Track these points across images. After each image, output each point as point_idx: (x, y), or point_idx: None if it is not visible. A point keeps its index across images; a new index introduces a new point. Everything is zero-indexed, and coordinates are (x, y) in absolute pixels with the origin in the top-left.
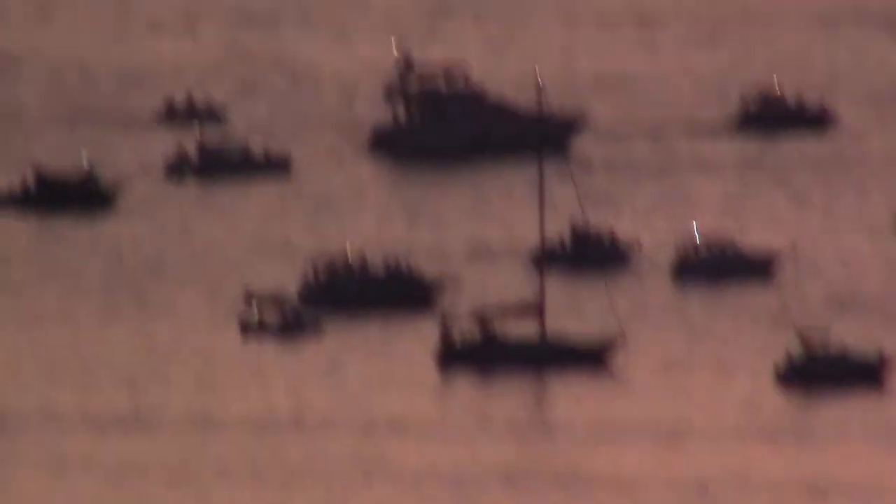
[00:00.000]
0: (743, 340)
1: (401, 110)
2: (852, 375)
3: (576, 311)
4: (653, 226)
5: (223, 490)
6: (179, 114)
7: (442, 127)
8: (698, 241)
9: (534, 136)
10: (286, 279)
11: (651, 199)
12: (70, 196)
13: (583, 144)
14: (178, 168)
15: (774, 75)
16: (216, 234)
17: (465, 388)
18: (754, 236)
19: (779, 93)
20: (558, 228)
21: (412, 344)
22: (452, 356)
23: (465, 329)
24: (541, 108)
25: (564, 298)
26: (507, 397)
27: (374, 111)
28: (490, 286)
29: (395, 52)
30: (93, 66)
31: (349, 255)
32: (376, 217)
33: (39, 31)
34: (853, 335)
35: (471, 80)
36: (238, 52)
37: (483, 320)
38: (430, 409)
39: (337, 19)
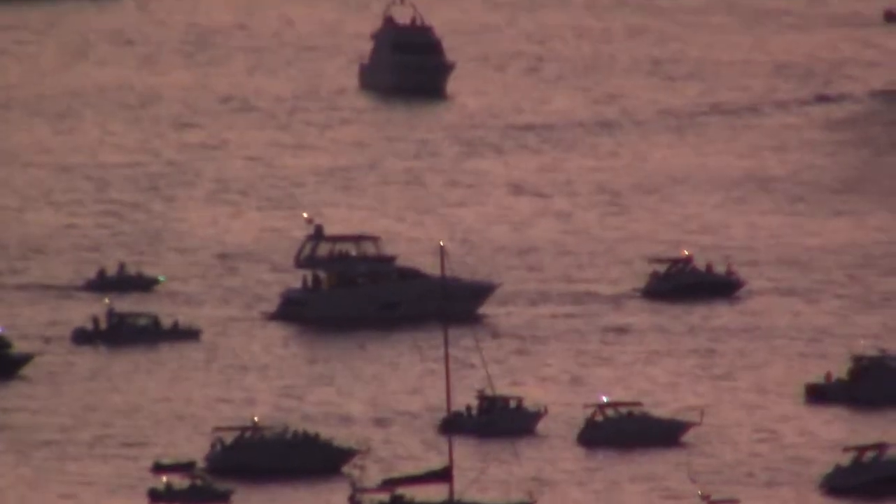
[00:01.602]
0: None
1: (310, 276)
2: None
3: (484, 477)
4: (561, 392)
5: None
6: (104, 283)
7: (351, 293)
8: (606, 408)
9: (441, 302)
10: (194, 447)
11: (559, 364)
12: None
13: (491, 310)
14: (87, 335)
15: (683, 242)
16: (124, 402)
17: None
18: (663, 403)
19: (688, 259)
20: (466, 395)
21: None
22: None
23: (374, 496)
24: (448, 275)
25: (473, 465)
26: None
27: (283, 278)
28: (399, 453)
29: (305, 222)
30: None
31: (258, 422)
32: (284, 383)
33: None
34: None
35: (381, 247)
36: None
37: (392, 487)
38: None
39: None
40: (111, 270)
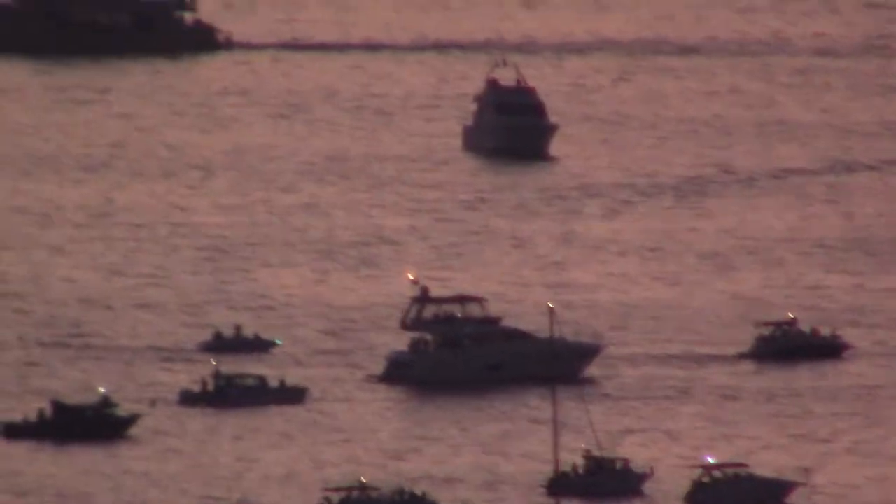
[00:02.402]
0: None
1: (416, 339)
2: None
3: None
4: (667, 453)
5: None
6: (220, 345)
7: (456, 354)
8: (713, 469)
9: (547, 363)
10: None
11: (665, 425)
12: (86, 424)
13: (597, 371)
14: (193, 396)
15: (789, 306)
16: (231, 463)
17: None
18: (768, 463)
19: (793, 322)
20: (573, 456)
21: None
22: None
23: None
24: (554, 336)
25: None
26: None
27: (389, 339)
28: None
29: (411, 284)
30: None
31: (365, 482)
32: (390, 445)
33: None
34: None
35: (486, 309)
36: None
37: None
38: None
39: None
40: (223, 332)
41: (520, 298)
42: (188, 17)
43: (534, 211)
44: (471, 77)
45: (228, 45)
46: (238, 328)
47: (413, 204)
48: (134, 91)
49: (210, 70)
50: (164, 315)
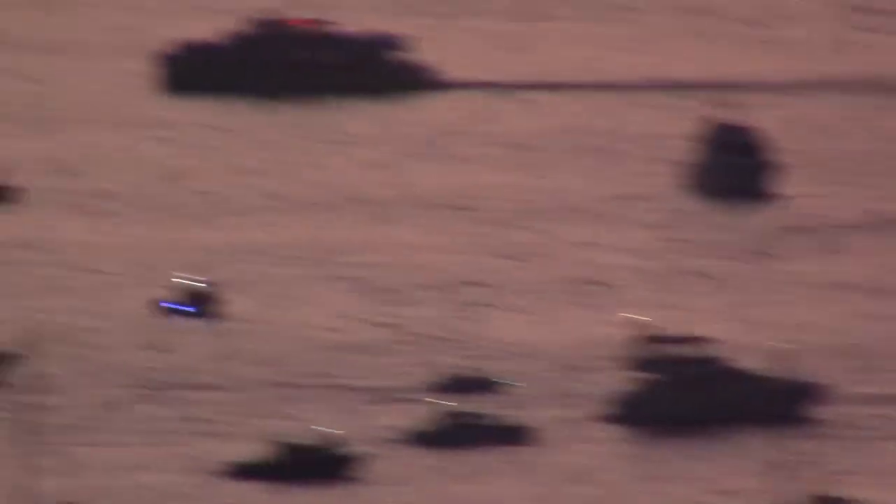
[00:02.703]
0: None
1: (640, 379)
2: None
3: None
4: (894, 491)
5: None
6: (452, 385)
7: (682, 394)
8: None
9: (770, 403)
10: None
11: (892, 465)
12: (314, 464)
13: (818, 411)
14: (422, 436)
15: None
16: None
17: None
18: None
19: None
20: (798, 496)
21: None
22: None
23: None
24: (777, 375)
25: None
26: None
27: (616, 379)
28: None
29: (634, 323)
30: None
31: None
32: (617, 486)
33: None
34: None
35: (711, 348)
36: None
37: None
38: None
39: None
40: (456, 372)
41: (743, 338)
42: (404, 56)
43: (756, 250)
44: (692, 116)
45: (444, 84)
46: (469, 368)
47: (635, 243)
48: (356, 130)
49: (428, 109)
50: (394, 355)
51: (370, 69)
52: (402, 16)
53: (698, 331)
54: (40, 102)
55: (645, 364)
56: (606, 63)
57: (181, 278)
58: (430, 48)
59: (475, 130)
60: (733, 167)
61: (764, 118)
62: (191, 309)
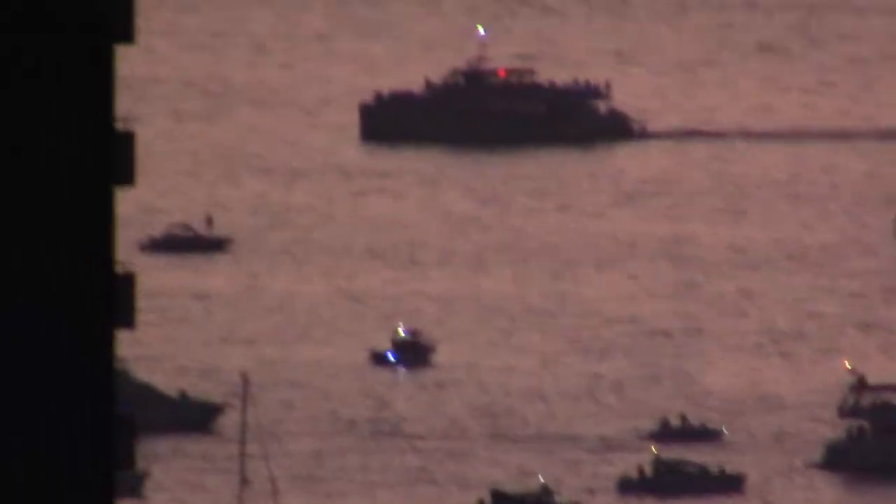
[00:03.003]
0: None
1: (854, 426)
2: None
3: None
4: None
5: None
6: (667, 433)
7: (892, 442)
8: None
9: None
10: None
11: None
12: None
13: None
14: (632, 484)
15: None
16: None
17: None
18: None
19: None
20: None
21: None
22: None
23: None
24: None
25: None
26: None
27: (827, 428)
28: None
29: (848, 372)
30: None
31: None
32: None
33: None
34: None
35: None
36: None
37: None
38: None
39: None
40: (670, 420)
41: None
42: (603, 105)
43: None
44: None
45: (643, 133)
46: (684, 417)
47: (846, 291)
48: (555, 179)
49: (628, 159)
50: (607, 403)
51: (572, 119)
52: (606, 65)
53: None
54: (252, 151)
55: (857, 411)
56: (812, 111)
57: (394, 328)
58: (633, 96)
59: (684, 178)
60: None
61: None
62: (405, 358)
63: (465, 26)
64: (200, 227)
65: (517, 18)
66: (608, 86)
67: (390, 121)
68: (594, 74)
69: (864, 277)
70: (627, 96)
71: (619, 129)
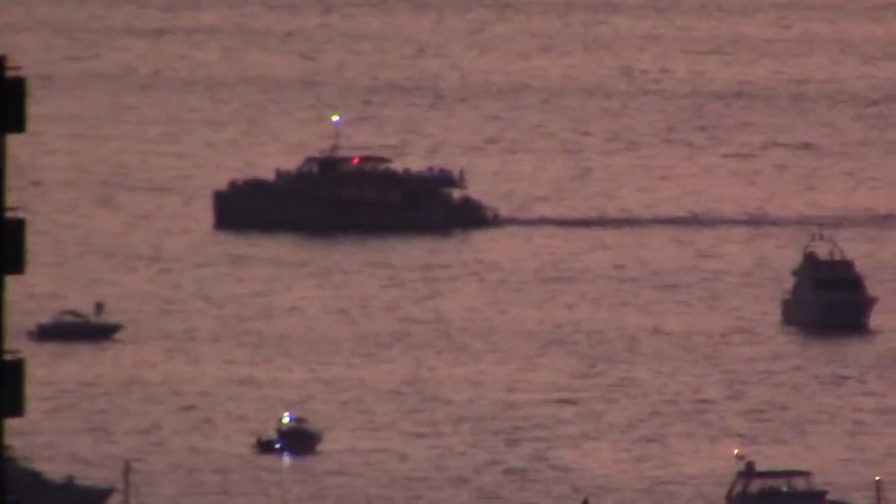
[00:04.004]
0: None
1: None
2: None
3: None
4: None
5: None
6: None
7: None
8: None
9: None
10: None
11: None
12: None
13: None
14: None
15: None
16: None
17: None
18: None
19: None
20: None
21: None
22: None
23: None
24: None
25: None
26: None
27: None
28: None
29: (736, 459)
30: None
31: None
32: None
33: None
34: None
35: (812, 483)
36: None
37: None
38: None
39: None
40: None
41: (846, 472)
42: (457, 193)
43: (853, 384)
44: (789, 250)
45: (497, 221)
46: None
47: (735, 378)
48: (407, 267)
49: (481, 246)
50: (485, 489)
51: (427, 206)
52: (461, 153)
53: (801, 465)
54: (124, 241)
55: (745, 499)
56: (700, 198)
57: (278, 416)
58: (490, 183)
59: (546, 265)
60: (830, 302)
61: (860, 252)
62: (291, 446)
63: (321, 115)
64: (90, 314)
65: (373, 107)
66: (462, 173)
67: (244, 208)
68: (452, 161)
69: (752, 364)
70: (484, 183)
71: (473, 216)
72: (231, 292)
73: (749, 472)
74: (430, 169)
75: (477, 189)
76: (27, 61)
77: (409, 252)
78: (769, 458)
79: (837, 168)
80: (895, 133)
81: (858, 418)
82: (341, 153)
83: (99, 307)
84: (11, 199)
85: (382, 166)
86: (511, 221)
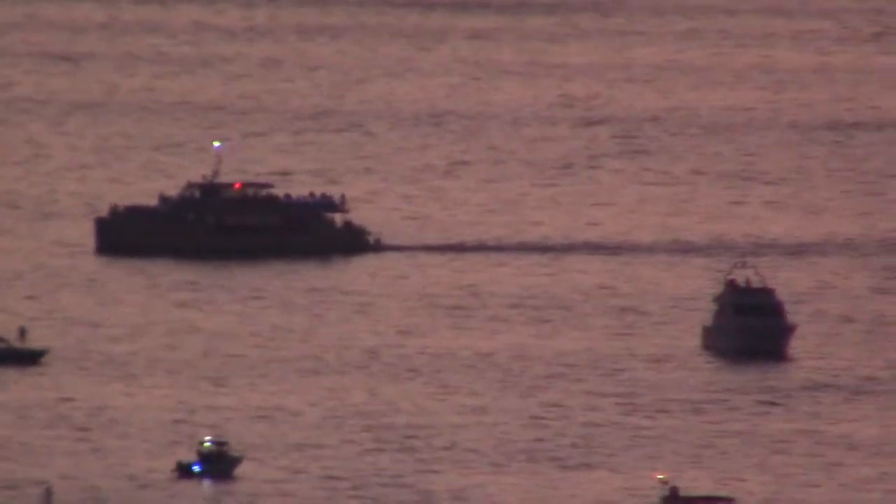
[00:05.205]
0: None
1: None
2: None
3: None
4: None
5: None
6: None
7: None
8: None
9: None
10: None
11: None
12: None
13: None
14: None
15: None
16: None
17: None
18: None
19: None
20: None
21: None
22: None
23: None
24: None
25: None
26: None
27: None
28: None
29: (660, 484)
30: None
31: None
32: None
33: None
34: None
35: None
36: None
37: None
38: None
39: None
40: None
41: (770, 494)
42: (339, 218)
43: (775, 411)
44: (710, 277)
45: (378, 246)
46: None
47: (657, 404)
48: (285, 292)
49: (362, 271)
50: None
51: (308, 231)
52: (348, 178)
53: (726, 489)
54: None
55: None
56: (623, 225)
57: (199, 440)
58: (363, 212)
59: (432, 291)
60: (750, 329)
61: (781, 279)
62: (210, 470)
63: (202, 141)
64: (14, 340)
65: (256, 134)
66: (344, 198)
67: (126, 234)
68: (334, 187)
69: (673, 390)
70: (366, 209)
71: (354, 241)
72: (140, 318)
73: (673, 497)
74: (312, 194)
75: (361, 214)
76: None
77: (288, 277)
78: (692, 484)
79: (761, 195)
80: (818, 161)
81: (778, 444)
82: (223, 179)
83: (22, 332)
84: None
85: (264, 191)
86: (394, 247)
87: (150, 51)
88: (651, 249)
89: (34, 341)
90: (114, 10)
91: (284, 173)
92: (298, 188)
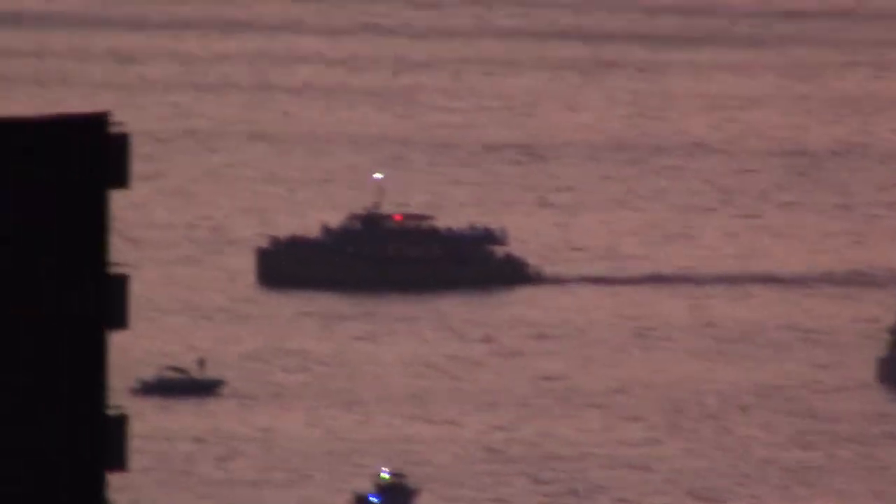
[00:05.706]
0: None
1: None
2: None
3: None
4: None
5: None
6: None
7: None
8: None
9: None
10: None
11: None
12: None
13: None
14: None
15: None
16: None
17: None
18: None
19: None
20: None
21: None
22: None
23: None
24: None
25: None
26: None
27: None
28: None
29: None
30: None
31: None
32: None
33: None
34: None
35: None
36: None
37: None
38: None
39: None
40: None
41: None
42: (499, 250)
43: None
44: (886, 308)
45: (539, 278)
46: None
47: (829, 436)
48: (445, 323)
49: (524, 303)
50: None
51: (468, 263)
52: (504, 211)
53: None
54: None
55: None
56: (780, 258)
57: (377, 471)
58: (532, 241)
59: (585, 323)
60: None
61: None
62: (388, 502)
63: (364, 172)
64: (193, 370)
65: (416, 164)
66: (504, 230)
67: (287, 265)
68: (494, 220)
69: (847, 423)
70: (526, 241)
71: (515, 273)
72: (313, 349)
73: None
74: (472, 226)
75: (520, 246)
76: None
77: (449, 309)
78: None
79: None
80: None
81: None
82: (385, 211)
83: (201, 363)
84: (114, 255)
85: (425, 223)
86: (554, 279)
87: (325, 81)
88: (828, 281)
89: (210, 372)
90: (294, 42)
91: (441, 205)
92: (458, 220)
